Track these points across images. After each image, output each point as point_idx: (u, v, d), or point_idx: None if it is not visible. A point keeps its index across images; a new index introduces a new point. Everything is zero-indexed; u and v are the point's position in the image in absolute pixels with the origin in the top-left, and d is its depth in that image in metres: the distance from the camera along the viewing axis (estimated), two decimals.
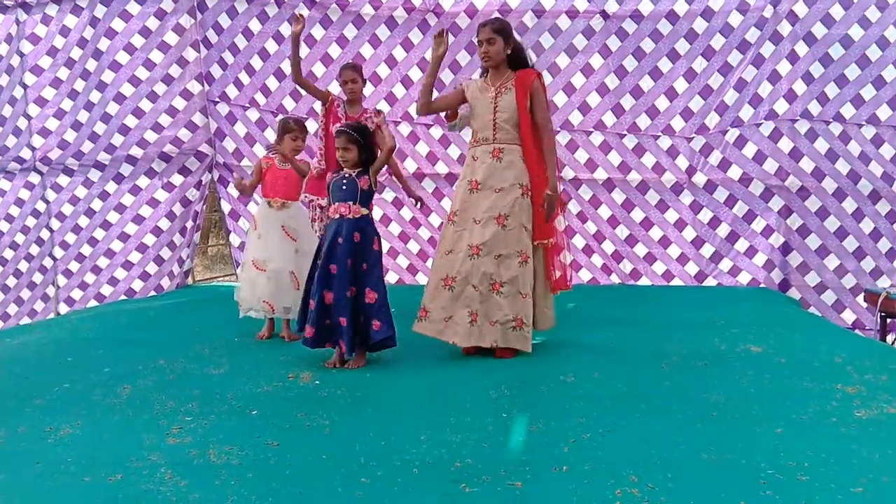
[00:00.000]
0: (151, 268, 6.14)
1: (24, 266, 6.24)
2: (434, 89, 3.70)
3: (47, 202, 6.12)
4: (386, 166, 3.89)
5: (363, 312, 3.38)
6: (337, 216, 3.42)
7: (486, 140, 3.60)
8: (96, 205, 6.10)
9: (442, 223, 6.11)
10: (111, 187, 6.07)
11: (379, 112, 4.65)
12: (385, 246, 6.16)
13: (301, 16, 4.39)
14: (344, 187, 3.43)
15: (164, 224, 6.10)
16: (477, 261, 3.50)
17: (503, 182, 3.54)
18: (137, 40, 5.88)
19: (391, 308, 3.44)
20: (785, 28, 5.49)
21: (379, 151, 3.51)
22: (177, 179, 6.11)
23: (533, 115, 3.59)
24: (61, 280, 6.18)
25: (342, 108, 4.55)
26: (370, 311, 3.37)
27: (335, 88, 4.85)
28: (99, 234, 6.12)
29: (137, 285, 6.15)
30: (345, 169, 3.45)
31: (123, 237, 6.10)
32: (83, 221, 6.12)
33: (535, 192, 3.59)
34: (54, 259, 6.17)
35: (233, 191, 6.25)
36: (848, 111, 5.48)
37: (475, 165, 3.62)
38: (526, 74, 3.58)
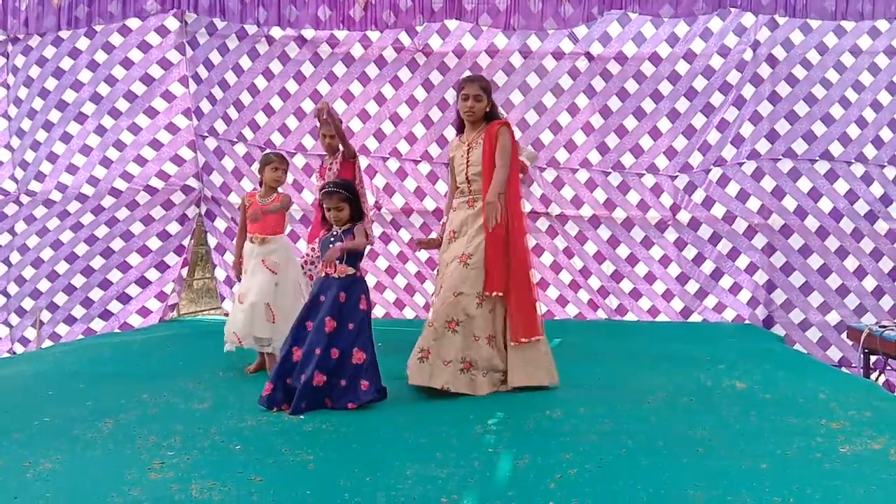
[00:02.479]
0: (133, 304, 6.10)
1: None
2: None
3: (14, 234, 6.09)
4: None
5: (350, 373, 3.30)
6: (323, 274, 3.42)
7: (462, 192, 3.75)
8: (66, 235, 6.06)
9: (429, 258, 6.15)
10: (87, 219, 6.03)
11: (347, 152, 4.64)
12: (372, 280, 6.19)
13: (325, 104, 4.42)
14: (331, 245, 3.41)
15: (134, 259, 6.07)
16: (438, 298, 3.58)
17: (474, 226, 3.63)
18: (119, 71, 5.94)
19: (377, 343, 3.43)
20: (765, 70, 5.64)
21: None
22: (157, 213, 6.10)
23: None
24: (45, 315, 6.10)
25: (325, 163, 4.62)
26: (359, 371, 3.30)
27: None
28: (97, 262, 6.06)
29: (135, 320, 6.11)
30: (334, 227, 3.45)
31: (124, 267, 6.07)
32: (81, 249, 6.06)
33: (497, 238, 3.56)
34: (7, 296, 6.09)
35: (219, 224, 6.25)
36: (836, 149, 5.62)
37: (452, 216, 3.78)
38: (492, 126, 3.68)
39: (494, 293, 3.55)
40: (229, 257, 6.18)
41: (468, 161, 3.69)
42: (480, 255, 3.55)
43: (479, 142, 3.68)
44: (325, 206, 3.43)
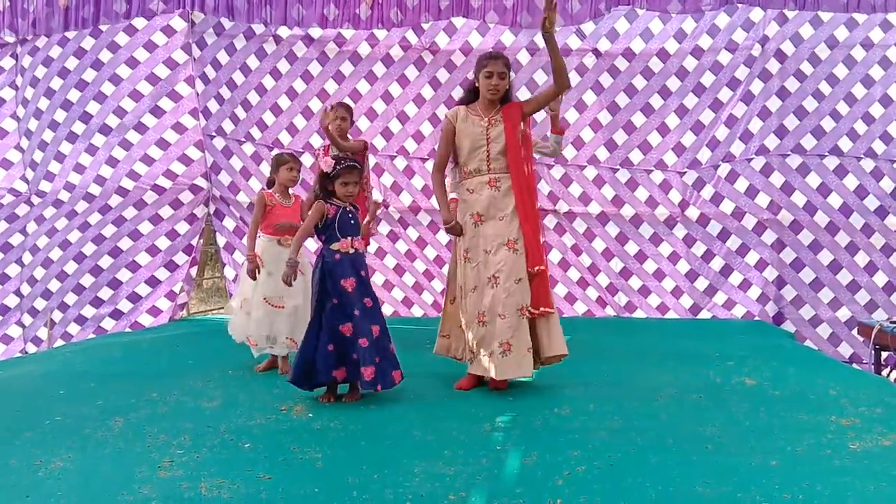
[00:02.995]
0: (144, 304, 6.13)
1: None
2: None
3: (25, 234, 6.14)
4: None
5: (383, 344, 3.40)
6: (352, 250, 3.38)
7: (480, 171, 3.59)
8: (77, 236, 6.11)
9: (437, 255, 6.14)
10: (94, 218, 6.07)
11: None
12: (380, 279, 6.20)
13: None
14: (352, 221, 3.41)
15: (143, 259, 6.11)
16: (497, 289, 3.47)
17: (505, 210, 3.56)
18: (124, 71, 5.97)
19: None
20: (773, 66, 5.61)
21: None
22: (165, 212, 6.13)
23: (538, 100, 3.67)
24: (56, 315, 6.15)
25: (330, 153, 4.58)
26: (386, 341, 3.43)
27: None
28: (105, 262, 6.09)
29: (146, 319, 6.14)
30: (341, 203, 3.41)
31: (133, 267, 6.10)
32: (89, 249, 6.09)
33: (521, 221, 3.57)
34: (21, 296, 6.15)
35: (228, 224, 6.27)
36: (845, 144, 5.58)
37: (472, 199, 3.60)
38: (511, 107, 3.61)
39: (538, 268, 3.55)
40: (238, 256, 6.21)
41: (489, 137, 3.57)
42: (521, 237, 3.55)
43: (499, 120, 3.58)
44: (342, 179, 3.36)
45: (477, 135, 3.59)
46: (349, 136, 4.55)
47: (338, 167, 3.36)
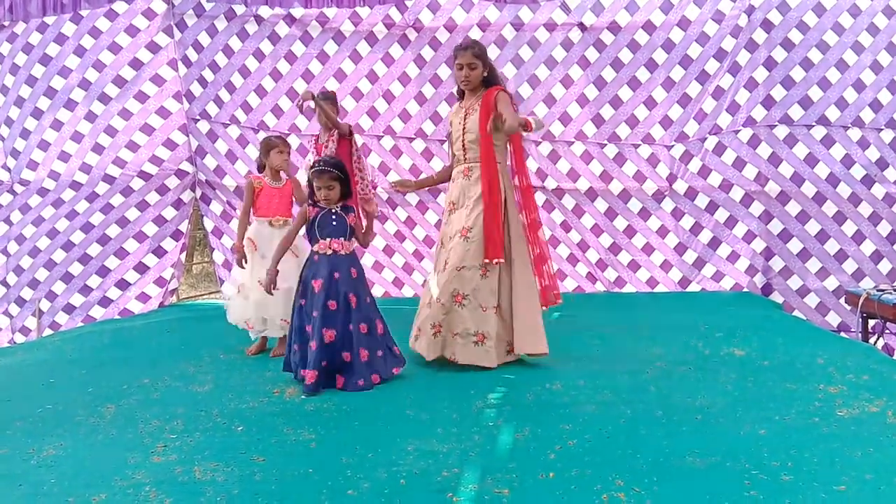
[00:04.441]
0: (133, 290, 6.11)
1: None
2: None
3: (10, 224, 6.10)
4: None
5: (383, 344, 3.41)
6: (329, 252, 3.37)
7: (459, 161, 3.73)
8: (65, 225, 6.07)
9: (426, 236, 6.14)
10: (82, 206, 6.03)
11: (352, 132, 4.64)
12: (370, 259, 6.19)
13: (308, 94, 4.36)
14: (334, 223, 3.40)
15: (130, 245, 6.07)
16: (446, 275, 3.55)
17: (471, 197, 3.62)
18: (107, 56, 5.90)
19: None
20: (760, 36, 5.58)
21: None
22: (152, 198, 6.09)
23: (501, 120, 3.58)
24: (44, 304, 6.11)
25: (319, 143, 4.57)
26: (386, 340, 3.44)
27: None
28: (94, 250, 6.06)
29: (135, 306, 6.12)
30: (328, 205, 3.40)
31: (122, 254, 6.07)
32: (77, 237, 6.04)
33: (494, 206, 3.56)
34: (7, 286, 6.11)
35: (215, 208, 6.23)
36: (833, 114, 5.57)
37: (451, 187, 3.76)
38: (489, 93, 3.62)
39: (496, 260, 3.53)
40: (227, 241, 6.18)
41: (464, 128, 3.66)
42: (479, 227, 3.54)
43: (476, 108, 3.64)
44: (315, 184, 3.38)
45: (457, 125, 3.72)
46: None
47: (310, 171, 3.41)
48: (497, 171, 3.60)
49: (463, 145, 3.67)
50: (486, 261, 3.53)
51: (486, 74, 3.64)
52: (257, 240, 4.01)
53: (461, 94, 3.81)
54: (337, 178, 3.36)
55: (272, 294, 3.49)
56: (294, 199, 4.12)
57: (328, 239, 3.37)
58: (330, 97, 4.65)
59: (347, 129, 4.55)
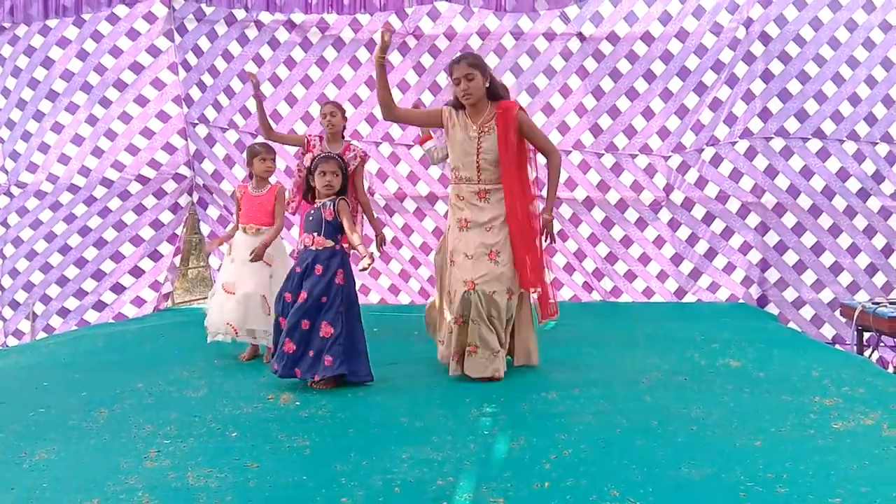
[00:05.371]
0: (129, 294, 6.09)
1: None
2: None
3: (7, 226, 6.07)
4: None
5: (317, 346, 3.32)
6: (301, 246, 3.46)
7: (470, 180, 3.53)
8: (58, 227, 6.04)
9: (423, 242, 6.13)
10: (80, 210, 6.01)
11: (366, 155, 4.57)
12: None
13: (253, 74, 4.42)
14: (311, 218, 3.46)
15: (127, 249, 6.05)
16: (472, 296, 3.43)
17: (494, 221, 3.52)
18: (108, 60, 5.89)
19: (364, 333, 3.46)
20: (757, 49, 5.61)
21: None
22: (149, 202, 6.07)
23: (533, 143, 3.62)
24: (38, 307, 6.08)
25: (322, 144, 4.48)
26: (323, 345, 3.31)
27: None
28: (90, 253, 6.03)
29: (130, 310, 6.09)
30: (318, 200, 3.45)
31: (117, 257, 6.05)
32: (74, 241, 6.02)
33: (524, 234, 3.57)
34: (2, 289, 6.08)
35: (212, 212, 6.22)
36: (828, 127, 5.58)
37: (462, 206, 3.56)
38: (507, 111, 3.49)
39: (532, 290, 3.61)
40: (223, 246, 6.15)
41: (480, 148, 3.48)
42: (509, 254, 3.51)
43: (493, 128, 3.48)
44: (320, 169, 3.40)
45: (468, 143, 3.52)
46: (343, 134, 4.53)
47: (315, 160, 3.46)
48: (521, 193, 3.56)
49: (478, 165, 3.51)
50: (523, 290, 3.58)
51: (487, 85, 3.48)
52: (233, 244, 4.07)
53: (458, 105, 3.61)
54: (341, 168, 3.44)
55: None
56: (274, 207, 4.04)
57: (310, 234, 3.43)
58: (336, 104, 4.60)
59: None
